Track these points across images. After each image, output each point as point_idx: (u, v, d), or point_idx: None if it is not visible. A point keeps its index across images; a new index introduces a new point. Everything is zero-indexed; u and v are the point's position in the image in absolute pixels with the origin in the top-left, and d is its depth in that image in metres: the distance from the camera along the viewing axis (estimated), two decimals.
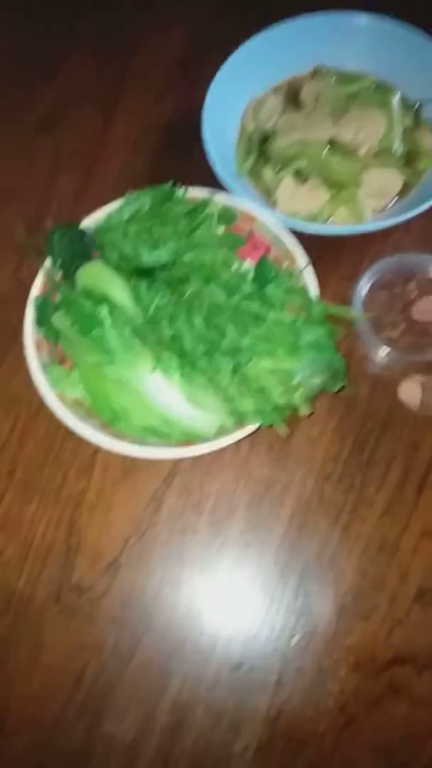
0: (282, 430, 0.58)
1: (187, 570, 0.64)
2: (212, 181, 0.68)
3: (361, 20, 0.76)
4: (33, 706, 0.60)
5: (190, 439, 0.59)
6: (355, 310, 0.65)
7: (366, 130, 0.72)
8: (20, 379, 0.68)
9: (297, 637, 0.62)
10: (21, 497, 0.66)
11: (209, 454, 0.63)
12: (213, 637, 0.62)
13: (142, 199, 0.66)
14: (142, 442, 0.60)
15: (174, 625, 0.62)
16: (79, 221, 0.66)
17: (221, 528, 0.65)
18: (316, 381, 0.57)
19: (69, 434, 0.66)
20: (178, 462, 0.66)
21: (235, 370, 0.59)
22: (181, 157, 0.78)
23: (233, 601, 0.63)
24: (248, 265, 0.68)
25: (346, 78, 0.78)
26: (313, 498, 0.66)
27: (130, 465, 0.66)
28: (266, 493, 0.66)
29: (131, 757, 0.58)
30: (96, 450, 0.66)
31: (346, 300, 0.69)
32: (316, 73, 0.79)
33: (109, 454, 0.66)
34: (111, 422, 0.60)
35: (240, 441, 0.65)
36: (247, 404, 0.58)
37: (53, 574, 0.63)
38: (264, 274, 0.63)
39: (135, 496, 0.65)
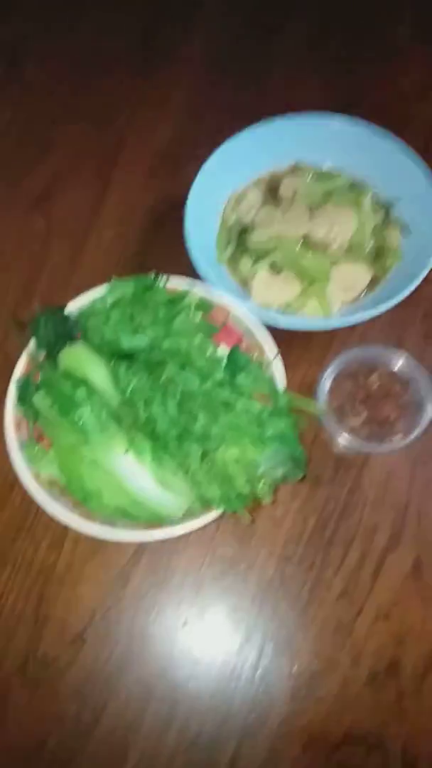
0: (244, 518, 0.61)
1: (149, 646, 0.66)
2: (192, 268, 0.72)
3: (337, 123, 0.82)
4: None
5: (157, 521, 0.63)
6: (318, 403, 0.69)
7: (338, 227, 0.77)
8: None
9: (253, 715, 0.64)
10: None
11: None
12: (171, 713, 0.64)
13: (125, 287, 0.70)
14: (111, 522, 0.62)
15: (134, 699, 0.64)
16: (64, 305, 0.70)
17: (185, 606, 0.67)
18: (278, 472, 0.61)
19: (42, 509, 0.70)
20: None
21: (204, 456, 0.63)
22: (166, 241, 0.82)
23: (193, 677, 0.65)
24: (222, 350, 0.72)
25: (322, 176, 0.83)
26: (275, 578, 0.68)
27: (100, 541, 0.68)
28: (230, 572, 0.69)
29: None
30: (67, 525, 0.69)
31: (314, 385, 0.73)
32: (294, 170, 0.84)
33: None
34: (83, 501, 0.63)
35: None
36: (213, 490, 0.62)
37: (20, 645, 0.65)
38: (235, 363, 0.68)
39: (103, 571, 0.68)
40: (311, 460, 0.72)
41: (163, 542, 0.68)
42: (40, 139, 0.93)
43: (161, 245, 0.83)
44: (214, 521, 0.68)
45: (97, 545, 0.69)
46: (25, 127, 0.95)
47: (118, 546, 0.69)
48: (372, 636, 0.66)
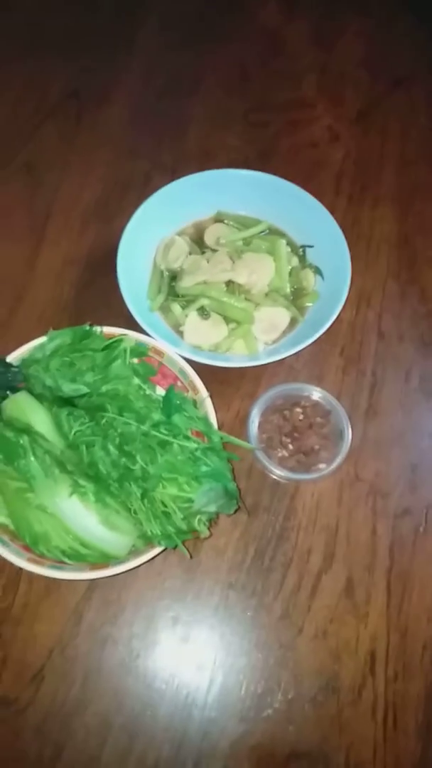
0: (184, 552, 0.66)
1: (105, 678, 0.69)
2: (128, 315, 0.77)
3: (252, 175, 0.89)
4: None
5: (104, 560, 0.66)
6: (249, 438, 0.74)
7: (258, 272, 0.84)
8: None
9: (207, 739, 0.67)
10: None
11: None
12: (130, 744, 0.67)
13: (63, 336, 0.74)
14: (60, 564, 0.66)
15: (94, 733, 0.67)
16: (5, 354, 0.73)
17: (137, 638, 0.71)
18: (212, 508, 0.66)
19: None
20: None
21: (144, 495, 0.67)
22: (102, 287, 0.87)
23: (150, 706, 0.68)
24: (159, 391, 0.77)
25: (242, 222, 0.90)
26: (220, 606, 0.73)
27: (53, 580, 0.71)
28: (178, 603, 0.73)
29: None
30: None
31: (246, 416, 0.78)
32: (218, 217, 0.91)
33: None
34: (32, 545, 0.65)
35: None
36: (154, 528, 0.66)
37: None
38: (171, 402, 0.72)
39: (58, 609, 0.71)
40: (248, 490, 0.77)
41: (114, 578, 0.72)
42: None
43: (97, 294, 0.88)
44: (160, 556, 0.73)
45: (51, 584, 0.71)
46: None
47: (71, 584, 0.72)
48: (312, 654, 0.71)
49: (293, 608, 0.73)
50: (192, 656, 0.70)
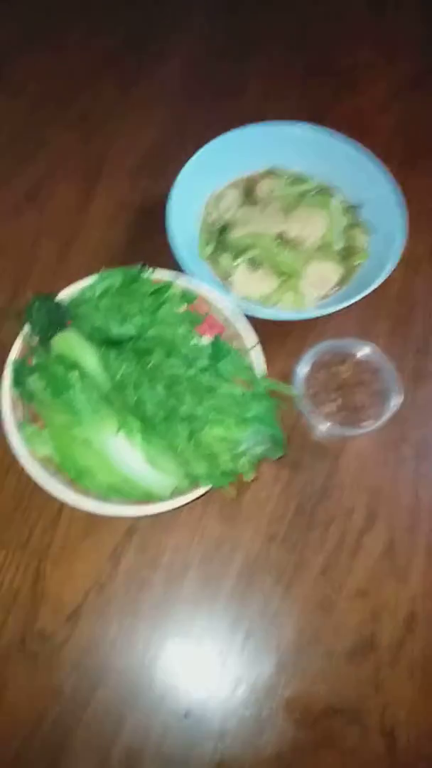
0: (229, 493, 0.65)
1: (141, 621, 0.68)
2: (176, 263, 0.76)
3: (308, 131, 0.87)
4: None
5: (148, 498, 0.65)
6: (295, 388, 0.73)
7: (310, 226, 0.82)
8: None
9: (242, 686, 0.66)
10: None
11: (166, 512, 0.69)
12: (163, 687, 0.66)
13: (113, 278, 0.74)
14: (105, 499, 0.65)
15: (128, 673, 0.67)
16: (56, 292, 0.72)
17: (175, 583, 0.70)
18: (259, 450, 0.65)
19: (37, 491, 0.71)
20: (137, 519, 0.72)
21: (190, 436, 0.66)
22: (151, 236, 0.85)
23: (184, 652, 0.68)
24: (205, 341, 0.76)
25: (295, 179, 0.89)
26: (260, 557, 0.72)
27: (93, 521, 0.71)
28: (217, 552, 0.72)
29: None
30: (61, 506, 0.72)
31: (291, 375, 0.77)
32: (269, 173, 0.89)
33: (74, 511, 0.71)
34: (76, 479, 0.65)
35: (194, 501, 0.72)
36: (200, 468, 0.65)
37: (18, 621, 0.67)
38: (218, 351, 0.71)
39: (96, 550, 0.70)
40: (291, 447, 0.76)
41: (154, 522, 0.72)
42: (30, 142, 0.97)
43: (146, 242, 0.87)
44: (200, 504, 0.72)
45: (90, 525, 0.71)
46: (14, 131, 0.98)
47: (110, 526, 0.71)
48: (351, 612, 0.70)
49: (333, 565, 0.71)
50: (230, 604, 0.69)
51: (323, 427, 0.73)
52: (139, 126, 0.99)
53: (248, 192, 0.88)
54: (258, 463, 0.66)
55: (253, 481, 0.74)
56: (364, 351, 0.77)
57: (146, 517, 0.71)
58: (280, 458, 0.69)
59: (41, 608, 0.68)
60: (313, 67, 1.07)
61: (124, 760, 0.64)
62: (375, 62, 1.08)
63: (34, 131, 0.98)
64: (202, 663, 0.67)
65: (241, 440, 0.64)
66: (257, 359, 0.71)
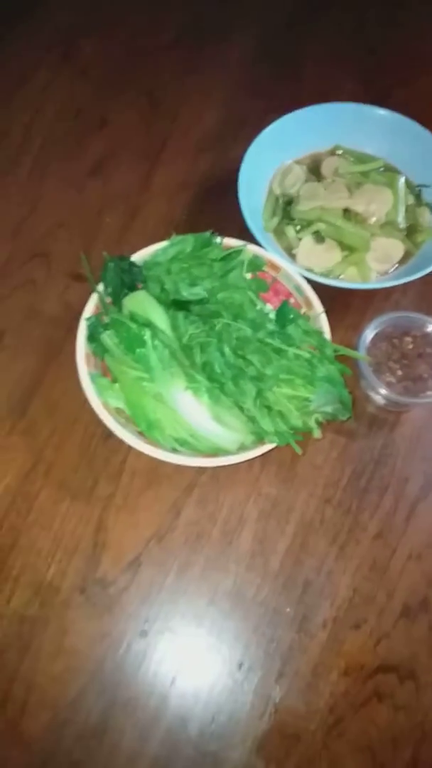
0: (296, 450, 0.66)
1: (198, 572, 0.70)
2: (239, 235, 0.78)
3: (375, 112, 0.89)
4: (54, 687, 0.65)
5: (214, 452, 0.67)
6: (362, 354, 0.74)
7: (376, 203, 0.84)
8: (61, 389, 0.76)
9: (296, 642, 0.68)
10: (55, 495, 0.72)
11: (226, 469, 0.71)
12: (220, 637, 0.68)
13: (185, 243, 0.76)
14: (172, 451, 0.67)
15: (186, 622, 0.68)
16: (128, 255, 0.75)
17: (232, 537, 0.72)
18: (328, 409, 0.66)
19: (102, 443, 0.74)
20: (197, 476, 0.74)
21: (259, 394, 0.67)
22: (212, 211, 0.89)
23: (240, 605, 0.69)
24: (270, 308, 0.77)
25: (360, 158, 0.90)
26: (315, 518, 0.73)
27: (155, 475, 0.73)
28: (273, 511, 0.73)
29: (142, 740, 0.63)
30: (125, 459, 0.74)
31: (351, 347, 0.78)
32: (334, 151, 0.91)
33: (137, 463, 0.73)
34: (146, 431, 0.67)
35: (252, 462, 0.74)
36: (267, 425, 0.67)
37: (80, 568, 0.69)
38: (285, 315, 0.73)
39: (157, 503, 0.72)
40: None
41: (213, 479, 0.74)
42: (95, 118, 0.99)
43: (205, 218, 0.89)
44: (259, 464, 0.74)
45: (152, 479, 0.73)
46: (80, 107, 1.00)
47: (171, 480, 0.73)
48: (405, 574, 0.71)
49: (388, 529, 0.73)
50: (284, 562, 0.71)
51: (383, 396, 0.74)
52: (200, 108, 1.01)
53: (313, 169, 0.90)
54: (325, 423, 0.68)
55: (310, 446, 0.76)
56: (427, 325, 0.78)
57: (207, 473, 0.74)
58: (343, 422, 0.70)
59: (103, 556, 0.70)
60: (374, 51, 1.08)
61: (180, 707, 0.65)
62: None
63: (98, 110, 1.00)
64: (257, 616, 0.69)
65: (311, 399, 0.65)
66: (324, 325, 0.72)
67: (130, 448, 0.66)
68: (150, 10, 1.12)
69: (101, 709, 0.64)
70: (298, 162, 0.90)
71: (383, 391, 0.74)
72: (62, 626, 0.67)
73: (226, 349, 0.69)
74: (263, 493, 0.74)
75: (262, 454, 0.67)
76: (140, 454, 0.66)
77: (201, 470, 0.74)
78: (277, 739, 0.65)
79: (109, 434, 0.68)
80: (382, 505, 0.74)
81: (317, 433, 0.67)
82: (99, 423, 0.67)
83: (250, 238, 0.78)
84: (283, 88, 1.03)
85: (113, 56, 1.05)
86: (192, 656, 0.67)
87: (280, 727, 0.65)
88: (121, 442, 0.66)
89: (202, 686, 0.66)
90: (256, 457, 0.70)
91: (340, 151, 0.91)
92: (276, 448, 0.69)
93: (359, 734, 0.65)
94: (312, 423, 0.67)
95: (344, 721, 0.65)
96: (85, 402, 0.68)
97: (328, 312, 0.74)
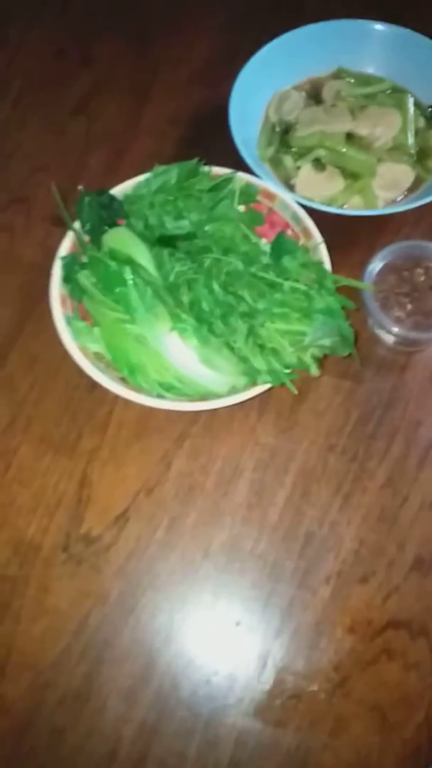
0: (292, 389, 0.61)
1: (191, 525, 0.65)
2: (232, 167, 0.71)
3: (380, 28, 0.82)
4: (35, 648, 0.61)
5: (204, 396, 0.62)
6: (363, 296, 0.67)
7: (382, 126, 0.76)
8: (42, 340, 0.72)
9: (297, 598, 0.63)
10: (36, 450, 0.68)
11: (220, 418, 0.66)
12: (215, 593, 0.63)
13: (169, 173, 0.70)
14: (158, 397, 0.62)
15: (176, 580, 0.64)
16: (108, 189, 0.69)
17: (227, 489, 0.66)
18: (326, 343, 0.60)
19: (86, 393, 0.70)
20: (188, 425, 0.69)
21: (250, 331, 0.62)
22: (205, 146, 0.81)
23: (236, 559, 0.64)
24: (265, 243, 0.71)
25: (364, 80, 0.83)
26: (317, 467, 0.68)
27: (143, 426, 0.68)
28: (271, 461, 0.68)
29: (129, 702, 0.59)
30: (111, 410, 0.69)
31: (358, 278, 0.72)
32: (336, 75, 0.84)
33: (124, 415, 0.69)
34: (129, 375, 0.62)
35: (248, 410, 0.68)
36: (260, 364, 0.61)
37: (62, 524, 0.65)
38: (281, 247, 0.67)
39: (146, 455, 0.67)
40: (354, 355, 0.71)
41: (206, 429, 0.69)
42: (80, 55, 0.93)
43: (199, 154, 0.81)
44: (255, 411, 0.68)
45: (140, 430, 0.68)
46: (64, 44, 0.94)
47: (161, 431, 0.68)
48: (417, 524, 0.65)
49: (398, 477, 0.67)
50: (284, 514, 0.66)
51: (392, 332, 0.68)
52: (190, 39, 0.94)
53: (313, 95, 0.83)
54: (324, 357, 0.62)
55: (312, 391, 0.70)
56: None
57: (201, 420, 0.69)
58: (348, 363, 0.65)
59: (87, 512, 0.65)
60: None
61: (171, 667, 0.61)
62: None
63: (83, 46, 0.94)
64: (255, 570, 0.64)
65: (307, 332, 0.59)
66: (324, 256, 0.66)
67: (116, 398, 0.62)
68: None
69: (85, 671, 0.60)
70: (296, 88, 0.83)
71: (391, 326, 0.67)
72: (44, 585, 0.63)
73: (215, 286, 0.64)
74: (261, 443, 0.68)
75: (258, 397, 0.62)
76: (128, 405, 0.62)
77: (193, 420, 0.69)
78: (277, 701, 0.60)
79: (93, 385, 0.64)
80: (390, 452, 0.68)
81: (314, 370, 0.61)
82: (82, 374, 0.62)
83: (244, 170, 0.72)
84: (280, 17, 0.94)
85: None
86: (184, 614, 0.63)
87: (280, 688, 0.60)
88: (106, 392, 0.62)
89: (196, 646, 0.62)
90: (253, 405, 0.65)
91: (342, 74, 0.84)
92: (274, 394, 0.63)
93: (367, 693, 0.60)
94: (308, 359, 0.61)
95: (350, 680, 0.61)
96: (66, 353, 0.63)
97: (331, 248, 0.68)
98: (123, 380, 0.63)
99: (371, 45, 0.82)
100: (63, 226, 0.74)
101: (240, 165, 0.72)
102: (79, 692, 0.59)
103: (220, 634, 0.62)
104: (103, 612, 0.62)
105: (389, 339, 0.71)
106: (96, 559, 0.64)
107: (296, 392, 0.61)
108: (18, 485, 0.67)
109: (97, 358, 0.64)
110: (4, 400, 0.70)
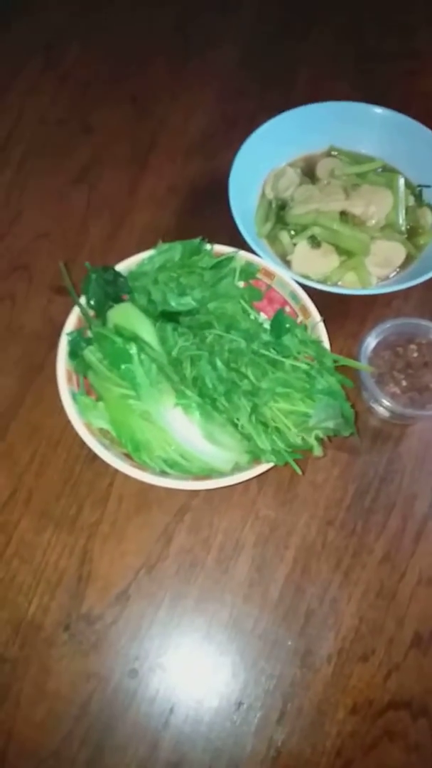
0: (296, 469, 0.62)
1: (192, 604, 0.65)
2: (230, 242, 0.73)
3: (374, 111, 0.85)
4: (36, 734, 0.59)
5: (207, 474, 0.62)
6: (363, 363, 0.69)
7: (375, 205, 0.79)
8: (42, 410, 0.72)
9: (298, 677, 0.63)
10: (36, 524, 0.67)
11: (220, 491, 0.66)
12: (216, 674, 0.63)
13: (173, 251, 0.71)
14: (161, 475, 0.62)
15: (179, 659, 0.63)
16: (113, 265, 0.70)
17: (228, 565, 0.67)
18: (329, 425, 0.61)
19: (87, 466, 0.70)
20: (189, 498, 0.69)
21: (254, 410, 0.63)
22: (202, 218, 0.85)
23: (237, 640, 0.64)
24: (265, 318, 0.73)
25: (356, 159, 0.86)
26: (317, 542, 0.68)
27: (144, 499, 0.68)
28: (272, 535, 0.68)
29: None
30: (111, 483, 0.69)
31: (351, 356, 0.73)
32: (329, 153, 0.87)
33: (125, 487, 0.69)
34: (133, 452, 0.62)
35: (249, 483, 0.69)
36: (264, 443, 0.62)
37: (63, 603, 0.64)
38: (280, 325, 0.69)
39: (147, 529, 0.67)
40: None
41: (207, 502, 0.69)
42: (80, 124, 0.95)
43: (197, 224, 0.84)
44: (255, 485, 0.69)
45: (141, 504, 0.68)
46: (64, 113, 0.96)
47: (162, 505, 0.68)
48: (415, 600, 0.66)
49: (396, 552, 0.68)
50: (286, 590, 0.66)
51: (387, 408, 0.69)
52: (188, 111, 0.98)
53: (308, 171, 0.86)
54: (327, 438, 0.63)
55: (310, 464, 0.71)
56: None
57: (199, 496, 0.69)
58: (345, 437, 0.66)
59: (88, 589, 0.65)
60: (366, 53, 1.04)
61: (173, 749, 0.60)
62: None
63: (82, 117, 0.96)
64: (256, 650, 0.64)
65: (311, 414, 0.61)
66: (322, 334, 0.68)
67: (116, 471, 0.61)
68: (133, 11, 1.08)
69: (87, 758, 0.59)
70: (291, 165, 0.86)
71: (387, 403, 0.69)
72: (45, 667, 0.61)
73: (218, 362, 0.65)
74: (261, 516, 0.69)
75: (259, 475, 0.62)
76: (128, 477, 0.61)
77: (193, 493, 0.69)
78: None
79: (94, 457, 0.64)
80: (388, 526, 0.69)
81: (318, 451, 0.62)
82: (83, 445, 0.63)
83: (242, 245, 0.74)
84: (274, 90, 0.99)
85: (97, 61, 1.02)
86: (186, 696, 0.62)
87: None
88: (107, 465, 0.62)
89: (198, 729, 0.61)
90: (252, 478, 0.65)
91: (335, 153, 0.87)
92: (273, 467, 0.64)
93: None
94: (312, 440, 0.62)
95: (353, 764, 0.60)
96: (68, 424, 0.63)
97: (325, 321, 0.70)
98: (127, 456, 0.63)
99: (363, 126, 0.86)
100: (64, 295, 0.75)
101: (238, 239, 0.74)
102: None
103: (222, 717, 0.62)
104: (106, 695, 0.61)
105: (384, 412, 0.73)
106: (98, 639, 0.63)
107: (301, 473, 0.62)
108: (18, 561, 0.66)
109: (101, 434, 0.64)
110: (4, 472, 0.70)
